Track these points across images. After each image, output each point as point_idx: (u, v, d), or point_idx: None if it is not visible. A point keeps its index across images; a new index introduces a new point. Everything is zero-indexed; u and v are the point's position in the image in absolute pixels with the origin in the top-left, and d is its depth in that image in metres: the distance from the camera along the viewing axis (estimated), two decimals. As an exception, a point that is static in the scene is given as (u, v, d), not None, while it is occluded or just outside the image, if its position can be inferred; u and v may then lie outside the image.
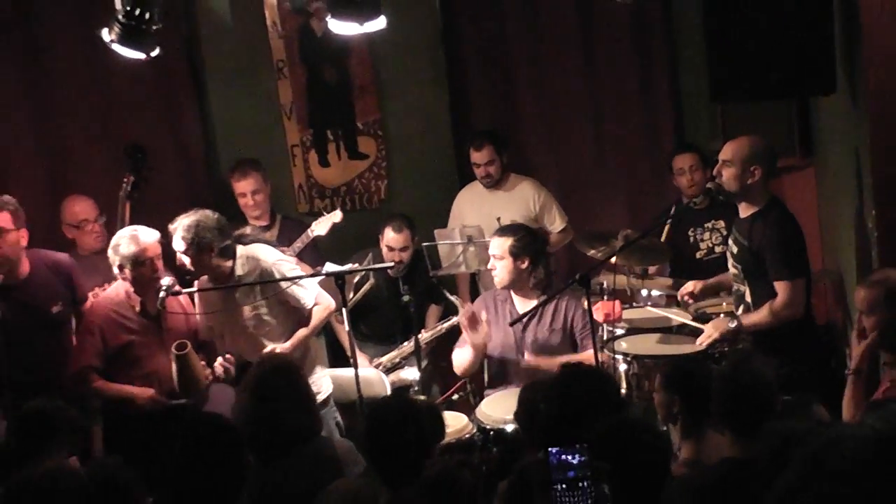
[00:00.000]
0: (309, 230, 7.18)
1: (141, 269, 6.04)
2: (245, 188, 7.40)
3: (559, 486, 3.52)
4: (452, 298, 7.18)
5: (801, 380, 5.13)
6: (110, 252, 6.13)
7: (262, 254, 6.21)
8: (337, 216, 7.21)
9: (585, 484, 3.51)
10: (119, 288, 6.23)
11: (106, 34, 6.10)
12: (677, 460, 4.73)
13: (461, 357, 6.55)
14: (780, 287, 5.66)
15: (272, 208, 7.62)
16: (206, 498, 4.26)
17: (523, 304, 6.49)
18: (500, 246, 6.42)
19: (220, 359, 6.18)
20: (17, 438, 4.99)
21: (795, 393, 4.68)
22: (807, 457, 2.86)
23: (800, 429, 3.78)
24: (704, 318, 6.38)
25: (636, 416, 4.81)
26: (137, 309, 6.17)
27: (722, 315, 6.32)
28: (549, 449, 3.56)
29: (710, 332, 5.88)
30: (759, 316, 5.72)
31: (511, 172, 7.74)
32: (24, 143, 7.94)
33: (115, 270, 6.14)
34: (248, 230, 6.53)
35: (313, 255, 7.13)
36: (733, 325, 5.79)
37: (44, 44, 7.79)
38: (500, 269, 6.43)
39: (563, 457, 3.52)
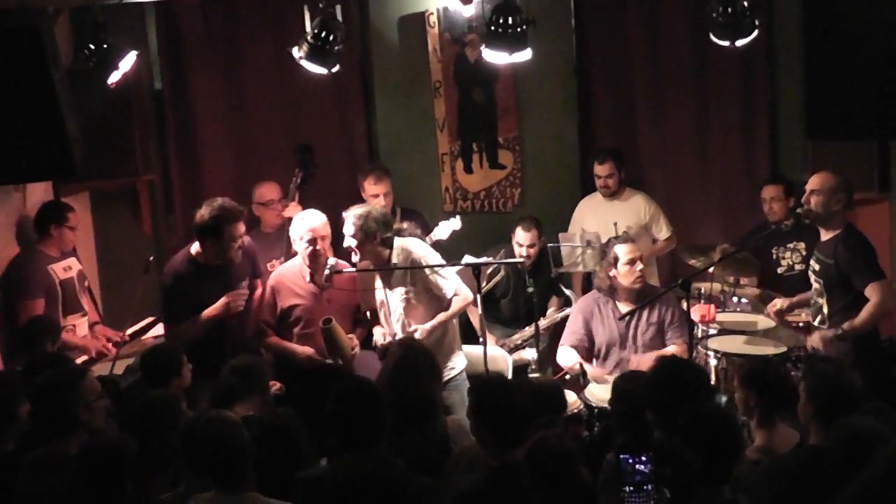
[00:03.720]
0: (431, 234, 7.22)
1: (311, 244, 6.43)
2: (379, 190, 7.58)
3: (627, 489, 3.72)
4: (568, 293, 7.41)
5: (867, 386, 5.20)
6: (290, 229, 6.56)
7: (414, 247, 6.46)
8: (456, 224, 7.28)
9: (650, 487, 3.70)
10: (296, 260, 6.60)
11: (296, 52, 6.59)
12: (751, 447, 4.88)
13: (566, 358, 6.78)
14: (873, 289, 5.89)
15: (393, 204, 7.76)
16: (353, 442, 4.50)
17: (624, 306, 6.70)
18: (637, 248, 6.72)
19: (378, 329, 6.52)
20: (227, 382, 5.41)
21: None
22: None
23: (868, 427, 4.02)
24: (786, 324, 6.71)
25: (718, 405, 4.87)
26: (307, 279, 6.55)
27: (802, 323, 6.61)
28: (620, 455, 3.72)
29: (815, 340, 6.08)
30: (860, 319, 5.91)
31: (627, 186, 7.97)
32: (221, 138, 8.52)
33: (295, 244, 6.54)
34: (405, 225, 6.73)
35: None
36: (838, 331, 5.96)
37: (245, 57, 8.35)
38: (641, 269, 6.69)
39: (632, 463, 3.70)
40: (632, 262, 6.67)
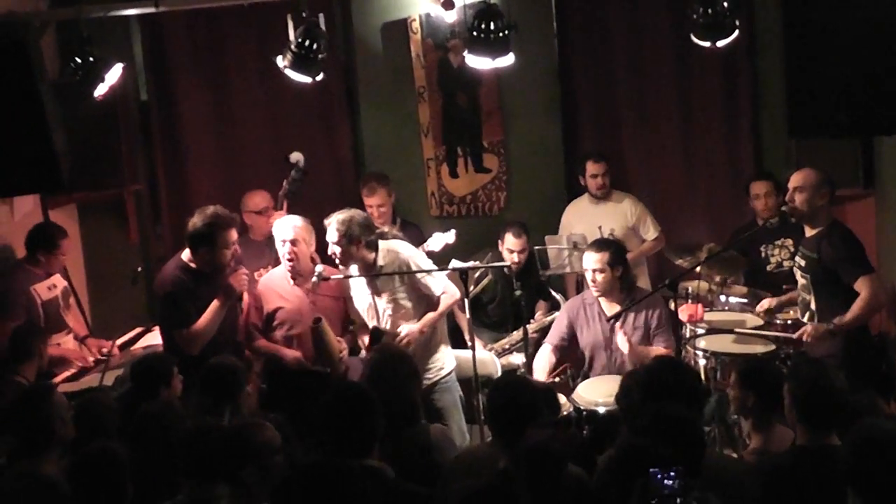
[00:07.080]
0: (424, 244, 7.15)
1: (293, 247, 6.48)
2: (373, 202, 7.59)
3: (654, 502, 3.57)
4: (557, 297, 7.34)
5: (857, 383, 5.16)
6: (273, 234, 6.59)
7: (400, 248, 6.46)
8: (451, 237, 7.21)
9: (678, 501, 3.53)
10: (283, 266, 6.62)
11: (280, 61, 6.59)
12: (746, 449, 4.91)
13: (541, 356, 6.77)
14: (863, 283, 5.84)
15: (394, 214, 7.80)
16: (348, 449, 4.43)
17: (609, 307, 6.60)
18: (599, 259, 6.51)
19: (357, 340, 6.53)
20: (205, 391, 5.39)
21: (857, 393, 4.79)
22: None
23: (888, 430, 3.89)
24: (773, 324, 6.61)
25: (679, 406, 4.63)
26: (291, 283, 6.57)
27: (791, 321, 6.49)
28: (649, 469, 3.58)
29: (809, 331, 5.97)
30: (851, 314, 5.86)
31: (613, 189, 7.97)
32: (207, 147, 8.55)
33: (278, 246, 6.55)
34: (386, 228, 6.80)
35: None
36: (830, 326, 5.90)
37: (230, 67, 8.40)
38: (601, 280, 6.53)
39: (661, 478, 3.56)
40: (590, 270, 6.62)
